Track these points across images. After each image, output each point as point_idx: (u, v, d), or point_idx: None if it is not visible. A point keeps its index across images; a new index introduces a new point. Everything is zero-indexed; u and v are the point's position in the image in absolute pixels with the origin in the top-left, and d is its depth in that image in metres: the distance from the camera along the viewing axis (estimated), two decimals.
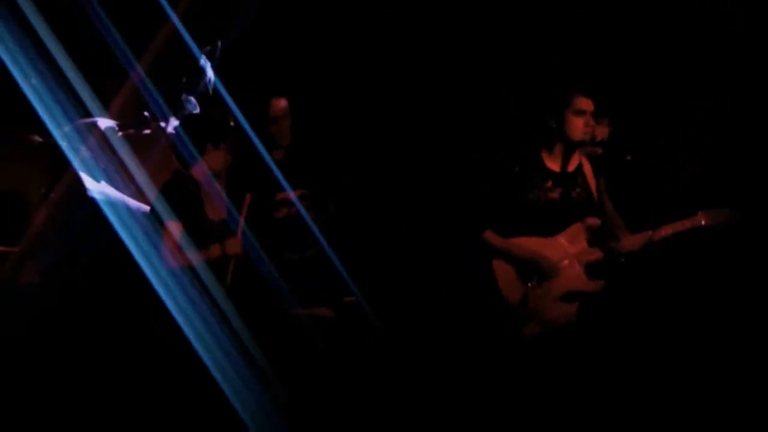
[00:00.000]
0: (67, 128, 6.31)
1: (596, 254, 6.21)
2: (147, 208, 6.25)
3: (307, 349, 6.42)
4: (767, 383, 6.15)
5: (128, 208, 6.27)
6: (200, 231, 6.09)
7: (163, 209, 6.05)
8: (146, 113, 6.71)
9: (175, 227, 6.01)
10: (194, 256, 6.01)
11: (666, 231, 6.19)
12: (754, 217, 6.34)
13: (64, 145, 6.32)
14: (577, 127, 6.18)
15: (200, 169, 6.22)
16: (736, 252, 6.66)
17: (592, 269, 6.23)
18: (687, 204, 6.27)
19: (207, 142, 6.17)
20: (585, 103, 6.19)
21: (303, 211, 6.69)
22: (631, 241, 6.19)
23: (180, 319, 5.82)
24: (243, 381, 5.86)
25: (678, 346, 6.42)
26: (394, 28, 7.49)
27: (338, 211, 6.85)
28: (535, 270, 6.19)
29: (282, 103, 6.85)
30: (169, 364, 5.88)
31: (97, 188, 6.27)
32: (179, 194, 6.09)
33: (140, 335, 5.98)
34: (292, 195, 6.69)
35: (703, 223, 6.21)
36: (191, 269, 5.99)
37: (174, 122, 6.69)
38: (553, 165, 6.29)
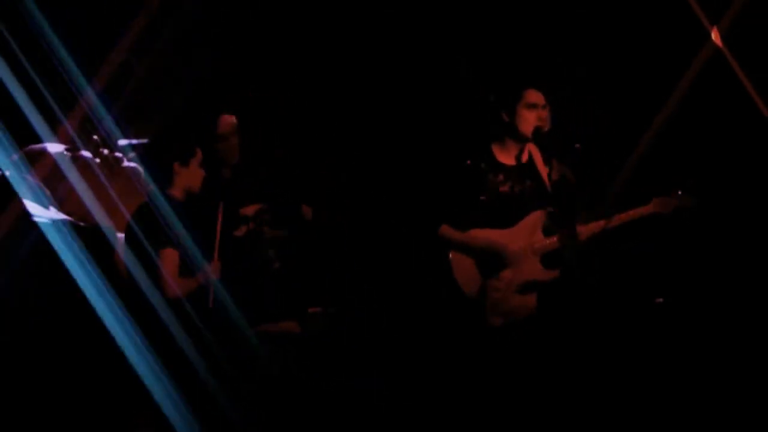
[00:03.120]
0: (15, 156, 6.23)
1: (552, 244, 6.19)
2: (114, 231, 6.19)
3: (271, 367, 6.35)
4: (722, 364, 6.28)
5: (77, 234, 6.16)
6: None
7: (141, 235, 5.99)
8: (96, 137, 6.62)
9: (171, 255, 5.96)
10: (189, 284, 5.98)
11: (620, 219, 6.12)
12: (710, 203, 6.31)
13: (9, 173, 6.23)
14: (529, 120, 6.17)
15: (175, 192, 6.16)
16: (697, 237, 6.70)
17: (548, 259, 6.22)
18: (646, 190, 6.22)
19: (173, 162, 6.11)
20: (536, 96, 6.19)
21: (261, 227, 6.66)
22: (584, 231, 6.11)
23: (124, 344, 5.73)
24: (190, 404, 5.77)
25: (637, 333, 6.44)
26: (347, 30, 7.42)
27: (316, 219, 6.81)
28: (494, 260, 6.18)
29: (230, 119, 6.79)
30: (111, 387, 5.78)
31: (45, 214, 6.17)
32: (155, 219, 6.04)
33: (82, 358, 5.87)
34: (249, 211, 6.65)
35: (657, 210, 6.18)
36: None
37: (123, 141, 6.61)
38: (505, 158, 6.29)
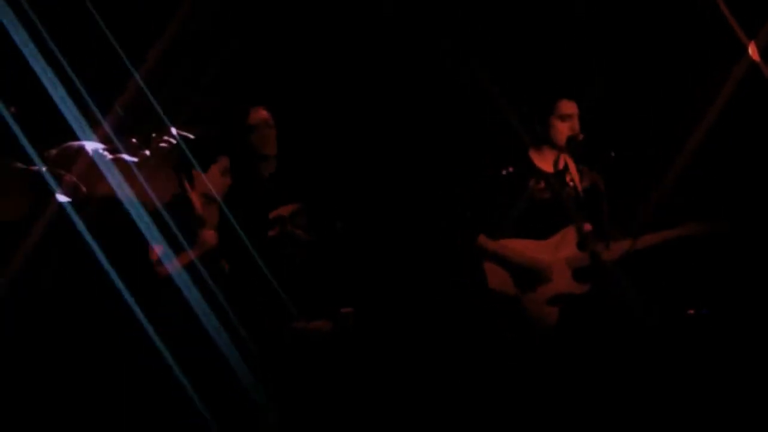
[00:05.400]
0: (52, 152, 6.28)
1: (585, 259, 6.27)
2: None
3: (305, 364, 6.39)
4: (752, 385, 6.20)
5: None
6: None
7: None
8: (134, 140, 6.67)
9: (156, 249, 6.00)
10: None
11: (650, 240, 6.15)
12: (744, 226, 6.29)
13: (44, 169, 6.29)
14: (563, 131, 6.24)
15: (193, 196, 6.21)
16: (723, 254, 6.59)
17: (580, 273, 6.28)
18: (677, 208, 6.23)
19: (188, 167, 6.16)
20: (569, 107, 6.25)
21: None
22: (614, 249, 6.14)
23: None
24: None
25: (665, 349, 6.36)
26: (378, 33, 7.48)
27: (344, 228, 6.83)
28: (529, 274, 6.21)
29: (260, 112, 6.82)
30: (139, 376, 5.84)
31: None
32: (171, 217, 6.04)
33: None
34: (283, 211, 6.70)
35: (690, 233, 6.25)
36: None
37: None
38: (544, 165, 6.35)
